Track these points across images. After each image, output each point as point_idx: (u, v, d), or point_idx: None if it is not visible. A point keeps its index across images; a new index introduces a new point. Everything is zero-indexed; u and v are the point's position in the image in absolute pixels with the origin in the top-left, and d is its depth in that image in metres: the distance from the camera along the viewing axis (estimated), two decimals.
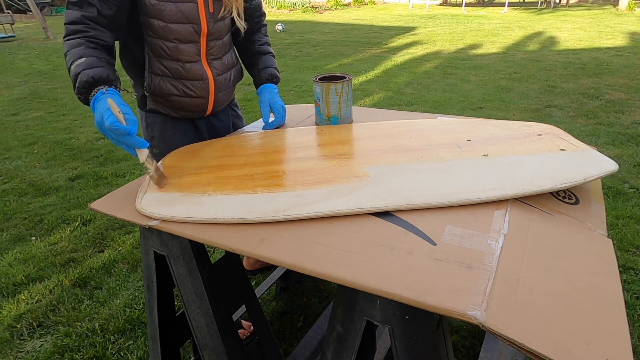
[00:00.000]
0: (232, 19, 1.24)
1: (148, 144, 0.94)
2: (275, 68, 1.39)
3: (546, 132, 1.12)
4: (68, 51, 1.00)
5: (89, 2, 1.01)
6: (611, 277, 0.66)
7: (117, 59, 1.13)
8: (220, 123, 1.38)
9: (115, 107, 0.90)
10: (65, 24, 1.03)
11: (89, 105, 0.96)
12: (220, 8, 1.17)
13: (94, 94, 0.95)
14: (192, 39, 1.16)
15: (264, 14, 1.41)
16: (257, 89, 1.39)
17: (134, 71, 1.22)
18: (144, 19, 1.12)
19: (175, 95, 1.21)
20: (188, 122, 1.30)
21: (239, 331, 1.44)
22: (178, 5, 1.10)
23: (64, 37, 1.03)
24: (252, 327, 1.51)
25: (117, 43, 1.14)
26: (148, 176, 0.97)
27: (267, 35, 1.44)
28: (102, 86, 0.96)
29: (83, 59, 0.98)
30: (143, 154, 0.94)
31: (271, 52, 1.42)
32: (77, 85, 0.96)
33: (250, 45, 1.39)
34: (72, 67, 0.98)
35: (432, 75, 5.19)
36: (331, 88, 1.21)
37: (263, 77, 1.37)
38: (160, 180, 0.97)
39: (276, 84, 1.37)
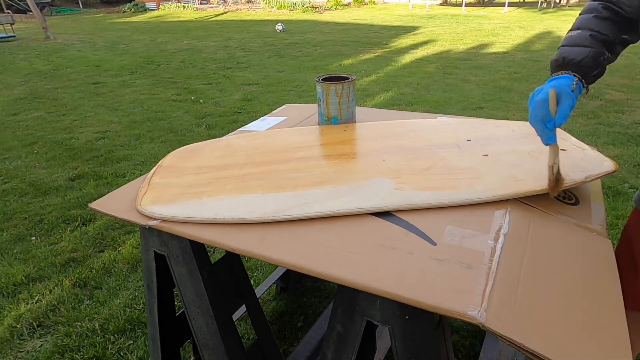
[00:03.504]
0: None
1: (553, 140, 0.78)
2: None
3: None
4: (580, 16, 0.82)
5: None
6: (611, 277, 0.66)
7: None
8: None
9: (554, 99, 0.75)
10: None
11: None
12: None
13: (555, 75, 0.80)
14: None
15: None
16: None
17: None
18: None
19: None
20: None
21: None
22: None
23: None
24: None
25: None
26: (550, 175, 0.82)
27: None
28: (568, 71, 0.79)
29: (576, 32, 0.80)
30: (553, 152, 0.80)
31: None
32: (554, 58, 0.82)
33: None
34: (565, 37, 0.82)
35: (432, 75, 5.19)
36: (331, 89, 1.21)
37: None
38: (556, 186, 0.82)
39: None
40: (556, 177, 0.81)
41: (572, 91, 0.76)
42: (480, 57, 6.08)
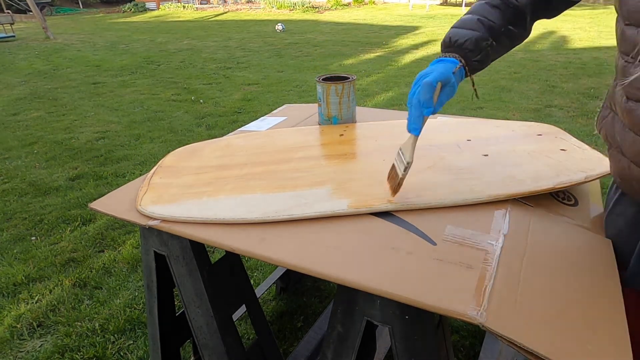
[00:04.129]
0: None
1: (418, 133, 0.77)
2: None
3: (546, 132, 1.12)
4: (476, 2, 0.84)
5: None
6: (611, 277, 0.66)
7: None
8: None
9: (439, 89, 0.74)
10: None
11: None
12: None
13: (442, 56, 0.80)
14: None
15: None
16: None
17: None
18: None
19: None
20: None
21: None
22: None
23: None
24: None
25: None
26: (399, 173, 0.79)
27: None
28: (452, 54, 0.79)
29: (468, 16, 0.81)
30: (412, 146, 0.78)
31: None
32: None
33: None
34: (458, 20, 0.82)
35: None
36: (331, 88, 1.21)
37: None
38: (397, 188, 0.81)
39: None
40: (403, 178, 0.80)
41: (454, 73, 0.77)
42: None
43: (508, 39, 0.82)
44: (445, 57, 0.79)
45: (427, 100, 0.74)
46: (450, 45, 0.80)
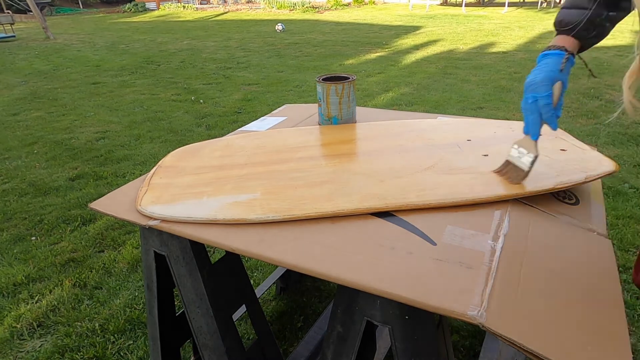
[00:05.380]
0: None
1: (537, 138, 0.80)
2: None
3: (546, 132, 1.12)
4: None
5: None
6: (611, 277, 0.66)
7: None
8: None
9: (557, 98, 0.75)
10: None
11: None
12: None
13: (548, 48, 0.79)
14: None
15: None
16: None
17: None
18: None
19: None
20: None
21: None
22: None
23: None
24: None
25: None
26: (524, 168, 0.85)
27: None
28: (562, 39, 0.77)
29: None
30: (532, 144, 0.83)
31: None
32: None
33: None
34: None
35: (432, 75, 5.19)
36: (331, 89, 1.21)
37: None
38: (521, 180, 0.86)
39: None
40: (528, 171, 0.85)
41: (561, 70, 0.75)
42: (481, 57, 6.08)
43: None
44: (552, 50, 0.78)
45: (550, 116, 0.76)
46: (560, 29, 0.79)
